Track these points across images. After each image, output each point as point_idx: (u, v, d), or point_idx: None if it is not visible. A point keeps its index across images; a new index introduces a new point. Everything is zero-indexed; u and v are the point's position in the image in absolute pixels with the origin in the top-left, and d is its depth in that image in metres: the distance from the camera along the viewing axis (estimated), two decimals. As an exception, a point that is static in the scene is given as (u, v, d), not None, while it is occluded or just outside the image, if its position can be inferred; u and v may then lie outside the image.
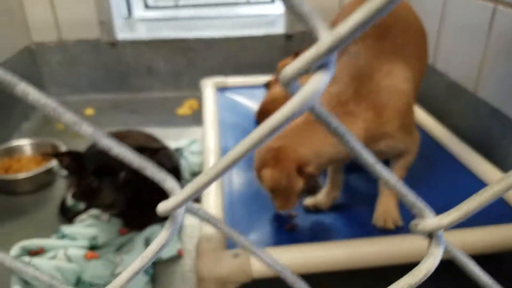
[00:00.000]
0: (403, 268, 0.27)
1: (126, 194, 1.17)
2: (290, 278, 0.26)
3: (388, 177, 0.21)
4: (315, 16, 0.18)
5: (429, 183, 1.22)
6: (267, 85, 1.67)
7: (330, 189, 1.12)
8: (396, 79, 0.96)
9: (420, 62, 1.06)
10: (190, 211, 0.21)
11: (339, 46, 0.17)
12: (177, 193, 0.19)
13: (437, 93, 1.69)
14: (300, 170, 0.91)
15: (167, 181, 0.20)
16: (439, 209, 0.97)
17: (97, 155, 1.15)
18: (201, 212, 0.22)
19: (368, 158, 0.20)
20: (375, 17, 0.17)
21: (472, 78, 1.44)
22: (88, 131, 0.19)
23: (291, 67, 0.19)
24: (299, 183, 0.92)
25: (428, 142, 1.43)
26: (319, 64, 0.18)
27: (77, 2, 2.12)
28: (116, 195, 1.14)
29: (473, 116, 1.45)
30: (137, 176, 1.15)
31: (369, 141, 0.95)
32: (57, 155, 1.18)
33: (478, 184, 1.22)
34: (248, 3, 2.79)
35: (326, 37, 0.17)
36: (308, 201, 1.12)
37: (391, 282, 0.26)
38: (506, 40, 1.28)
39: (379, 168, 0.21)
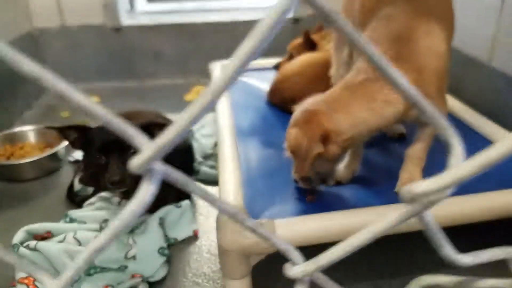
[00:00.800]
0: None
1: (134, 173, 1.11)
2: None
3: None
4: None
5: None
6: (277, 67, 1.63)
7: (351, 162, 1.09)
8: (435, 40, 0.92)
9: (451, 23, 1.02)
10: (166, 173, 0.20)
11: None
12: (147, 147, 0.19)
13: (452, 70, 1.64)
14: (325, 139, 0.88)
15: (137, 138, 0.19)
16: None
17: (106, 132, 1.09)
18: (177, 175, 0.21)
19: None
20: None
21: (486, 49, 1.42)
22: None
23: None
24: (317, 149, 0.88)
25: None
26: None
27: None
28: (125, 172, 1.08)
29: (489, 88, 1.42)
30: None
31: (409, 106, 0.90)
32: (63, 128, 1.12)
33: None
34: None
35: None
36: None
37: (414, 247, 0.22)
38: None
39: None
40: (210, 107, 0.17)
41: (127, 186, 1.10)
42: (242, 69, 0.17)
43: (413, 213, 0.19)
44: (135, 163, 0.18)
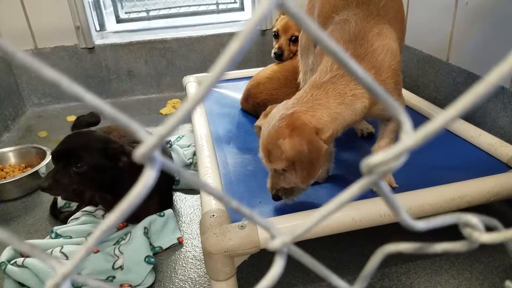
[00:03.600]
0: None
1: (93, 179, 1.12)
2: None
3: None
4: None
5: (418, 147, 1.23)
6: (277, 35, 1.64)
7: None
8: (388, 40, 0.97)
9: (401, 24, 1.08)
10: (163, 162, 0.22)
11: None
12: (149, 138, 0.20)
13: (411, 70, 1.72)
14: (317, 136, 0.88)
15: (140, 131, 0.21)
16: (428, 168, 0.97)
17: (64, 141, 1.11)
18: (172, 165, 0.22)
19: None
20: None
21: (444, 47, 1.49)
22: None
23: None
24: (324, 145, 0.87)
25: (407, 111, 1.45)
26: None
27: (51, 9, 2.09)
28: (60, 181, 1.08)
29: (448, 84, 1.49)
30: (120, 169, 1.11)
31: (374, 100, 0.95)
32: None
33: (461, 143, 1.27)
34: (218, 11, 2.77)
35: None
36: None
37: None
38: (473, 5, 1.32)
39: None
40: (195, 107, 0.20)
41: (57, 194, 1.12)
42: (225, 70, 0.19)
43: (371, 181, 0.21)
44: (139, 153, 0.20)
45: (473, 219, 0.21)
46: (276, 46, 1.59)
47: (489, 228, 0.23)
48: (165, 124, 0.20)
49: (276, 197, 0.98)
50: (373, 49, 0.95)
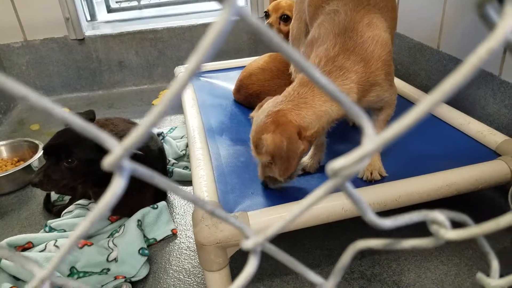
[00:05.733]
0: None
1: (84, 174, 1.12)
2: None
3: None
4: None
5: (407, 136, 1.24)
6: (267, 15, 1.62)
7: (316, 152, 1.13)
8: (378, 30, 0.98)
9: (393, 13, 1.08)
10: (133, 169, 0.22)
11: None
12: (117, 148, 0.21)
13: (402, 58, 1.72)
14: (299, 135, 0.91)
15: (108, 140, 0.21)
16: (417, 156, 0.98)
17: (56, 136, 1.12)
18: (143, 170, 0.22)
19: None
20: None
21: (435, 35, 1.49)
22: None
23: None
24: (301, 146, 0.91)
25: (399, 101, 1.46)
26: None
27: (39, 0, 2.07)
28: (51, 176, 1.09)
29: (440, 72, 1.50)
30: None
31: (363, 93, 0.96)
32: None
33: (450, 130, 1.28)
34: (209, -1, 2.75)
35: None
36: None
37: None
38: None
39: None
40: (168, 109, 0.20)
41: (48, 189, 1.12)
42: (197, 70, 0.19)
43: (336, 185, 0.21)
44: (107, 162, 0.20)
45: (439, 216, 0.22)
46: (266, 22, 1.59)
47: (458, 224, 0.24)
48: (136, 129, 0.20)
49: (265, 185, 1.05)
50: (362, 41, 0.95)
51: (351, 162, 0.19)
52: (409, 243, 0.22)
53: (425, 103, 0.18)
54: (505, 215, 0.21)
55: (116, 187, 0.21)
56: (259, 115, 0.95)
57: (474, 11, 1.29)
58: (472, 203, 1.20)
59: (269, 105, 0.95)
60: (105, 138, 0.21)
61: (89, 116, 1.21)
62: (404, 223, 0.22)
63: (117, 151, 0.20)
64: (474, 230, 0.21)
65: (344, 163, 0.19)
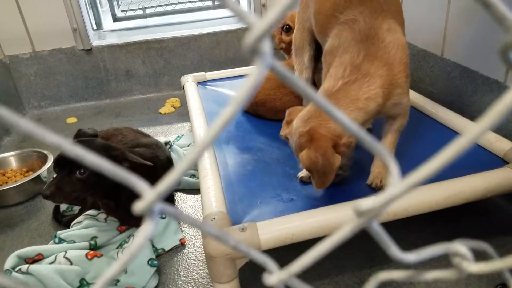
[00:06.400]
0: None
1: (95, 185, 1.13)
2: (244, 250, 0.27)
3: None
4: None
5: (413, 143, 1.24)
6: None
7: None
8: (397, 33, 1.00)
9: (401, 17, 1.09)
10: (163, 210, 0.22)
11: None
12: (148, 193, 0.21)
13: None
14: (336, 146, 0.93)
15: (138, 184, 0.21)
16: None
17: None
18: (171, 210, 0.23)
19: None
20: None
21: (439, 42, 1.50)
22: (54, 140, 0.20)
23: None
24: (337, 160, 0.92)
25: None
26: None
27: (47, 12, 2.09)
28: (62, 189, 1.09)
29: (444, 78, 1.50)
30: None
31: (387, 96, 0.97)
32: None
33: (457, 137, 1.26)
34: (214, 7, 2.77)
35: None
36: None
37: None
38: (466, 0, 1.33)
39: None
40: (198, 159, 0.21)
41: (59, 201, 1.12)
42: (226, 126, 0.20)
43: (362, 225, 0.22)
44: (139, 206, 0.20)
45: (461, 248, 0.22)
46: None
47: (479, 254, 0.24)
48: (170, 175, 0.21)
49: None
50: (384, 45, 0.97)
51: (378, 205, 0.19)
52: (431, 275, 0.22)
53: (447, 152, 0.19)
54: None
55: (147, 231, 0.21)
56: (292, 137, 0.98)
57: (476, 19, 1.30)
58: (480, 211, 1.20)
59: (298, 124, 0.96)
60: (136, 182, 0.21)
61: (94, 131, 1.22)
62: (428, 256, 0.22)
63: (149, 196, 0.20)
64: (497, 264, 0.21)
65: (371, 206, 0.20)
